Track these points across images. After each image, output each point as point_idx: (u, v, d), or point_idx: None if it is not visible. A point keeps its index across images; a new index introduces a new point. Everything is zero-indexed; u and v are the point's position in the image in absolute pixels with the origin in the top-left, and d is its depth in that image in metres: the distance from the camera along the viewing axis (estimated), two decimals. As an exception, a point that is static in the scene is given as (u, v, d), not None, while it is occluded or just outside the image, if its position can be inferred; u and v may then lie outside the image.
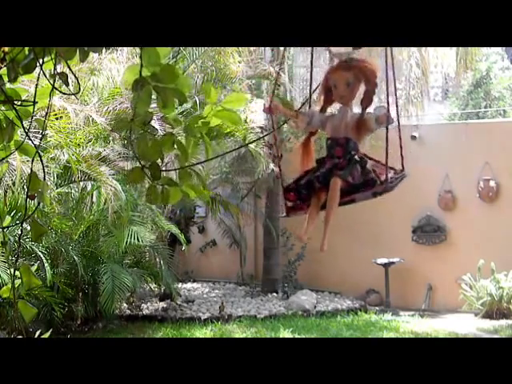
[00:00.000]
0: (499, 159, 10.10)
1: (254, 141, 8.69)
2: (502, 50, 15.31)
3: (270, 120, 3.29)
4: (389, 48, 2.79)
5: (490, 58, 16.34)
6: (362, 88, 2.95)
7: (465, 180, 10.32)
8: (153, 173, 1.75)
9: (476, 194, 10.27)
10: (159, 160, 1.78)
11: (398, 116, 2.94)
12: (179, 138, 1.80)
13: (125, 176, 7.43)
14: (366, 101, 2.93)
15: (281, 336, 8.07)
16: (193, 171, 1.85)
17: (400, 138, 2.92)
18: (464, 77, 13.67)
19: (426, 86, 11.21)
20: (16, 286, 1.93)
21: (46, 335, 2.24)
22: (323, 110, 3.05)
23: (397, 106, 2.95)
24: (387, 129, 2.80)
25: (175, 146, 1.79)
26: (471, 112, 14.99)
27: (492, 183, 10.18)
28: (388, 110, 2.82)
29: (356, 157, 2.89)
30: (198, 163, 1.87)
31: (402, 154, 2.95)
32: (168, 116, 1.77)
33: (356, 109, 2.99)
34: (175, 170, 1.85)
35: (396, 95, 2.92)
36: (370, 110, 2.96)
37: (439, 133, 10.98)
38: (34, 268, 2.00)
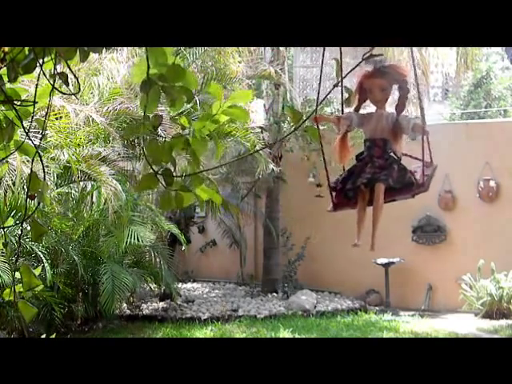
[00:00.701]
0: (499, 159, 10.10)
1: (262, 148, 8.72)
2: (502, 49, 15.31)
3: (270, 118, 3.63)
4: (413, 51, 3.22)
5: (490, 58, 16.34)
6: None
7: (465, 180, 10.32)
8: (166, 179, 1.76)
9: (476, 194, 10.26)
10: (171, 165, 1.78)
11: (422, 112, 3.29)
12: (188, 138, 1.80)
13: (128, 180, 7.44)
14: (401, 106, 3.28)
15: (281, 336, 8.07)
16: (205, 175, 1.86)
17: (427, 137, 3.20)
18: (464, 77, 13.67)
19: (426, 86, 11.21)
20: (16, 286, 1.93)
21: (52, 337, 2.24)
22: (357, 109, 3.37)
23: (422, 104, 3.36)
24: (423, 138, 3.14)
25: (185, 148, 1.79)
26: (471, 112, 14.99)
27: (492, 183, 10.17)
28: (423, 122, 3.18)
29: (392, 155, 3.23)
30: (210, 169, 1.90)
31: (429, 148, 3.27)
32: (176, 118, 1.78)
33: (388, 107, 3.34)
34: (188, 175, 1.85)
35: (420, 94, 3.42)
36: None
37: (439, 133, 10.96)
38: (37, 271, 2.00)
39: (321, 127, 3.41)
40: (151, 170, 1.74)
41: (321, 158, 3.53)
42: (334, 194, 3.33)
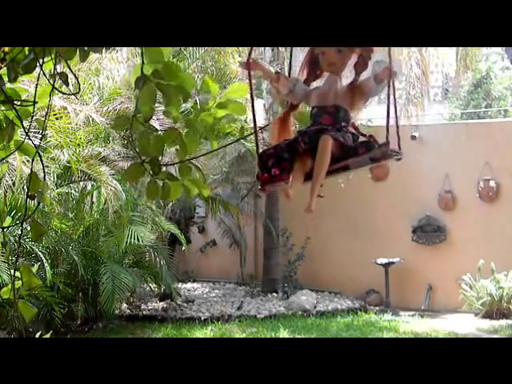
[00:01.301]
0: (499, 159, 10.10)
1: (246, 136, 8.65)
2: (502, 49, 15.31)
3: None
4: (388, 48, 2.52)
5: (490, 58, 16.34)
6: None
7: (465, 180, 10.32)
8: (152, 167, 1.74)
9: (476, 194, 10.26)
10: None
11: (395, 110, 2.37)
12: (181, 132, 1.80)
13: (124, 173, 7.42)
14: (361, 64, 2.45)
15: (281, 336, 8.07)
16: (192, 165, 1.85)
17: (396, 117, 2.50)
18: (464, 77, 13.67)
19: (426, 86, 11.21)
20: (16, 286, 1.93)
21: (47, 336, 2.24)
22: (307, 84, 2.59)
23: (394, 100, 2.38)
24: (389, 86, 2.32)
25: (176, 142, 1.78)
26: (471, 112, 14.99)
27: (492, 183, 10.17)
28: (390, 62, 2.31)
29: (348, 128, 2.43)
30: (197, 156, 1.84)
31: (398, 134, 2.40)
32: (170, 112, 1.77)
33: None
34: (174, 163, 1.84)
35: (394, 91, 2.40)
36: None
37: (439, 133, 10.98)
38: (34, 268, 2.00)
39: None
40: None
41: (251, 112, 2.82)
42: (263, 163, 2.44)
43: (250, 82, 2.50)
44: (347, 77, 2.52)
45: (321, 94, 2.50)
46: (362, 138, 2.44)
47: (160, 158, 1.77)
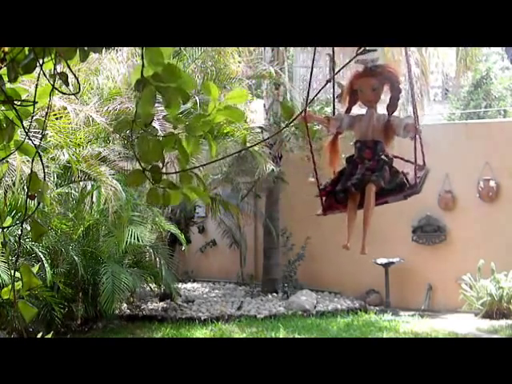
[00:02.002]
0: (499, 159, 10.10)
1: (256, 144, 8.70)
2: (502, 49, 15.30)
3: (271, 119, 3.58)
4: (408, 51, 3.18)
5: (490, 58, 16.34)
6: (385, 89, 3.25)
7: (465, 180, 10.32)
8: (153, 176, 1.75)
9: (476, 194, 10.26)
10: (160, 163, 1.78)
11: (416, 112, 3.22)
12: (181, 137, 1.80)
13: (125, 178, 7.43)
14: (392, 107, 3.21)
15: (281, 336, 8.07)
16: (193, 174, 1.85)
17: (420, 138, 3.11)
18: (464, 77, 13.67)
19: (426, 86, 11.21)
20: (16, 286, 1.93)
21: (48, 336, 2.24)
22: (348, 110, 3.31)
23: (415, 102, 3.27)
24: (415, 137, 3.05)
25: (176, 148, 1.78)
26: (471, 112, 14.99)
27: (492, 183, 10.17)
28: (415, 121, 3.09)
29: (383, 157, 3.14)
30: (199, 166, 1.85)
31: (422, 151, 3.17)
32: (169, 115, 1.77)
33: (379, 109, 3.29)
34: (176, 172, 1.85)
35: (414, 93, 3.38)
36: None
37: (439, 133, 10.97)
38: (35, 269, 2.00)
39: (315, 127, 3.43)
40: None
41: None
42: (323, 196, 3.25)
43: (309, 135, 3.36)
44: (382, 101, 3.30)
45: (362, 130, 3.23)
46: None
47: (161, 166, 1.78)
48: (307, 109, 3.39)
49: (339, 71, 3.33)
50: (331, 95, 3.45)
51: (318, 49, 3.26)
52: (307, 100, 3.66)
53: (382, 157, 3.16)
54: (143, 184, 1.79)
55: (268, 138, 8.94)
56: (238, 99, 1.86)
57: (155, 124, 5.74)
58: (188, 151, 1.80)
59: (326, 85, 3.23)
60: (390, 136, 3.21)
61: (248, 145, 8.71)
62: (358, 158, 3.21)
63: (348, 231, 3.28)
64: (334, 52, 3.27)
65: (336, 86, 3.40)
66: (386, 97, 3.34)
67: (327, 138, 3.51)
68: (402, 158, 3.31)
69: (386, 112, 3.25)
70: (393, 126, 3.16)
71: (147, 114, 1.69)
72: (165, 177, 1.79)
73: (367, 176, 3.09)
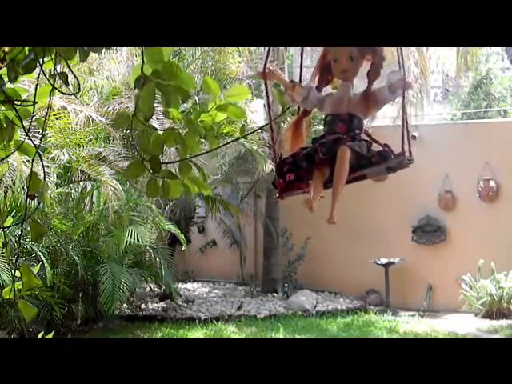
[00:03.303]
0: (499, 159, 10.10)
1: (247, 134, 8.65)
2: (502, 50, 15.32)
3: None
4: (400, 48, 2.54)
5: (490, 58, 16.34)
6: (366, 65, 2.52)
7: (465, 180, 10.32)
8: (153, 166, 1.74)
9: (476, 194, 10.27)
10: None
11: (405, 110, 2.51)
12: (181, 132, 1.80)
13: (125, 171, 7.42)
14: (374, 73, 2.51)
15: (281, 336, 8.07)
16: (193, 164, 1.85)
17: (407, 123, 2.49)
18: (464, 77, 13.67)
19: (426, 86, 11.21)
20: (16, 286, 1.93)
21: (50, 336, 2.24)
22: (318, 90, 2.63)
23: (404, 99, 2.50)
24: (403, 96, 2.42)
25: (176, 142, 1.78)
26: (471, 112, 14.99)
27: (492, 183, 10.18)
28: (404, 74, 2.44)
29: (361, 135, 2.50)
30: (197, 155, 1.83)
31: (409, 140, 2.47)
32: (170, 112, 1.77)
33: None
34: (175, 162, 1.84)
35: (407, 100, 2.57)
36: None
37: (439, 133, 10.98)
38: (35, 269, 2.00)
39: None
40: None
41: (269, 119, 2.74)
42: (281, 171, 2.48)
43: (267, 91, 2.63)
44: (357, 85, 2.57)
45: (335, 102, 2.54)
46: (376, 146, 2.48)
47: (160, 157, 1.77)
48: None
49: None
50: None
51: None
52: (268, 54, 2.80)
53: (359, 135, 2.48)
54: (143, 182, 1.79)
55: (263, 126, 8.88)
56: (238, 97, 1.85)
57: (155, 123, 5.77)
58: (188, 147, 1.80)
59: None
60: (371, 107, 2.53)
61: (247, 144, 8.72)
62: (327, 133, 2.50)
63: (312, 192, 2.43)
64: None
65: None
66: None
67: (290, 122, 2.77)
68: (386, 145, 2.48)
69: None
70: (374, 93, 2.50)
71: (147, 110, 1.69)
72: (164, 168, 1.78)
73: (340, 140, 2.39)
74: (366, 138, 2.51)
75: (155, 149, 1.73)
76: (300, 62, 2.87)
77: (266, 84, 2.61)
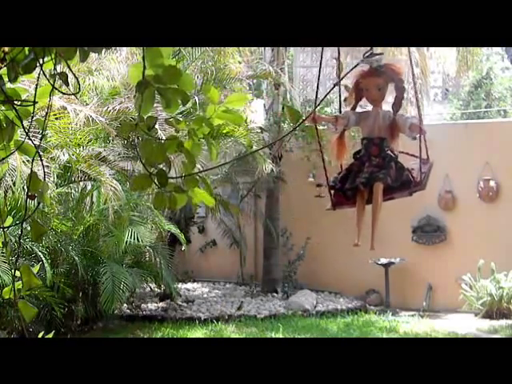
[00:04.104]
0: (499, 159, 10.10)
1: (260, 149, 8.74)
2: (503, 50, 15.31)
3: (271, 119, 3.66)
4: (411, 51, 3.27)
5: (490, 58, 16.33)
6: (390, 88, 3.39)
7: (465, 180, 10.32)
8: (159, 180, 1.76)
9: (476, 194, 10.26)
10: (166, 167, 1.79)
11: (419, 111, 3.41)
12: (183, 140, 1.80)
13: (128, 180, 7.44)
14: (397, 105, 3.34)
15: (281, 336, 8.07)
16: (199, 177, 1.86)
17: (423, 131, 3.25)
18: (464, 77, 13.67)
19: (426, 86, 11.21)
20: (17, 286, 1.93)
21: (50, 336, 2.24)
22: (354, 107, 3.45)
23: (419, 103, 3.58)
24: (420, 138, 3.18)
25: (179, 150, 1.79)
26: (471, 112, 14.98)
27: (492, 183, 10.17)
28: (420, 121, 3.24)
29: (389, 153, 3.30)
30: (205, 170, 1.88)
31: (426, 146, 3.35)
32: (171, 120, 1.78)
33: (384, 106, 3.44)
34: (182, 177, 1.85)
35: (418, 94, 3.58)
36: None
37: (439, 133, 10.97)
38: (35, 269, 2.00)
39: (320, 127, 3.50)
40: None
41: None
42: (332, 192, 3.40)
43: (318, 135, 3.46)
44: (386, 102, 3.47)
45: (368, 127, 3.38)
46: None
47: (167, 171, 1.79)
48: (307, 109, 3.54)
49: (346, 75, 3.43)
50: (331, 95, 3.61)
51: (319, 48, 3.29)
52: (316, 101, 3.83)
53: (388, 153, 3.32)
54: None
55: (277, 140, 8.99)
56: (237, 103, 1.86)
57: (159, 130, 5.77)
58: (192, 154, 1.80)
59: (334, 87, 3.44)
60: (395, 134, 3.36)
61: (253, 148, 8.73)
62: (365, 154, 3.36)
63: (358, 229, 3.46)
64: (339, 53, 3.32)
65: (342, 88, 3.51)
66: (390, 94, 3.45)
67: (332, 136, 3.64)
68: (407, 153, 3.45)
69: (391, 110, 3.40)
70: (398, 125, 3.30)
71: (150, 118, 1.69)
72: (171, 181, 1.80)
73: (375, 174, 3.23)
74: (393, 153, 3.32)
75: (158, 158, 1.75)
76: (319, 69, 3.58)
77: (316, 127, 3.47)
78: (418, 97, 3.47)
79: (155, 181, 1.76)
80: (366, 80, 3.31)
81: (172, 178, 1.82)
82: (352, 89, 3.40)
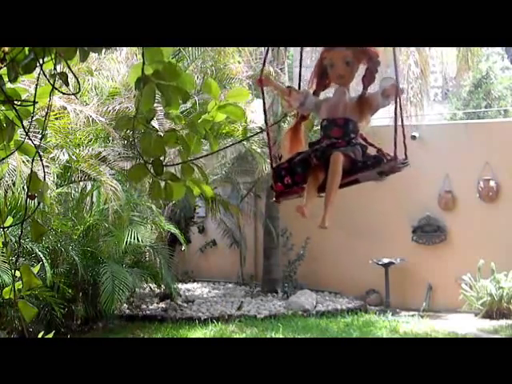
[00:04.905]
0: (499, 159, 10.10)
1: (248, 137, 8.69)
2: (502, 49, 15.31)
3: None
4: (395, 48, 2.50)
5: (490, 58, 16.34)
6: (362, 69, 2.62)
7: (465, 180, 10.32)
8: (155, 168, 1.75)
9: (476, 194, 10.26)
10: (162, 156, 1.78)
11: (401, 110, 2.56)
12: (182, 134, 1.80)
13: (126, 172, 7.43)
14: (368, 78, 2.59)
15: (281, 336, 8.07)
16: (195, 166, 1.86)
17: (403, 127, 2.58)
18: (464, 77, 13.66)
19: (426, 86, 11.20)
20: (17, 286, 1.93)
21: (50, 336, 2.24)
22: (316, 94, 2.71)
23: (400, 101, 2.55)
24: (396, 102, 2.47)
25: (178, 143, 1.79)
26: (471, 112, 14.98)
27: (492, 183, 10.17)
28: (397, 81, 2.50)
29: (357, 139, 2.56)
30: (200, 157, 1.85)
31: (405, 143, 2.58)
32: (170, 113, 1.78)
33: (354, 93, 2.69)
34: (177, 164, 1.85)
35: (401, 106, 2.58)
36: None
37: (439, 133, 10.98)
38: (35, 269, 2.00)
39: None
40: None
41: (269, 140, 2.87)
42: (277, 176, 2.59)
43: (263, 97, 2.67)
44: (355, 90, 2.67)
45: (330, 107, 2.61)
46: (371, 150, 2.56)
47: (163, 159, 1.78)
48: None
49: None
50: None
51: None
52: (264, 60, 2.91)
53: (354, 139, 2.55)
54: (143, 182, 1.80)
55: (261, 130, 8.95)
56: (238, 98, 1.86)
57: (155, 123, 5.76)
58: (190, 149, 1.80)
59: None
60: (366, 111, 2.59)
61: (247, 144, 8.73)
62: (323, 138, 2.57)
63: (305, 197, 2.46)
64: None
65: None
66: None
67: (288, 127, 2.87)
68: (379, 149, 2.59)
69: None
70: (368, 99, 2.57)
71: (148, 111, 1.69)
72: (166, 170, 1.79)
73: (334, 145, 2.46)
74: (361, 142, 2.57)
75: (157, 150, 1.74)
76: (299, 62, 2.92)
77: (262, 90, 2.66)
78: (394, 54, 2.53)
79: (151, 170, 1.75)
80: (331, 53, 2.55)
81: (167, 165, 1.81)
82: (314, 68, 2.67)
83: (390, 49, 2.48)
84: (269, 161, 2.97)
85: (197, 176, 1.91)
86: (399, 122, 2.49)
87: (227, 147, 9.18)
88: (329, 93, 2.78)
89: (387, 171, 2.51)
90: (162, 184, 1.79)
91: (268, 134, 2.74)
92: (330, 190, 2.41)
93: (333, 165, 2.39)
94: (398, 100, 2.46)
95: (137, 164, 1.79)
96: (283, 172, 2.55)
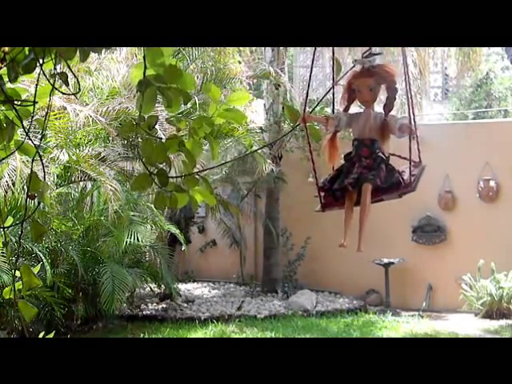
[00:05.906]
0: (499, 159, 10.09)
1: (260, 148, 8.74)
2: (503, 50, 15.31)
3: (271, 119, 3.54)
4: (405, 51, 3.27)
5: (490, 58, 16.34)
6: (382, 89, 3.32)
7: (465, 180, 10.32)
8: (160, 179, 1.76)
9: (476, 194, 10.26)
10: (167, 166, 1.79)
11: (413, 112, 3.26)
12: (184, 139, 1.80)
13: (128, 180, 7.44)
14: (389, 106, 3.29)
15: (281, 336, 8.07)
16: (199, 177, 1.86)
17: (416, 135, 3.20)
18: (465, 77, 13.67)
19: (425, 86, 11.20)
20: (17, 286, 1.93)
21: (50, 336, 2.24)
22: (346, 109, 3.41)
23: (412, 102, 3.28)
24: (410, 138, 3.14)
25: (179, 149, 1.79)
26: (472, 112, 14.98)
27: (492, 183, 10.17)
28: (410, 122, 3.19)
29: (380, 155, 3.27)
30: (204, 170, 1.87)
31: (418, 148, 3.23)
32: (172, 119, 1.78)
33: (376, 107, 3.38)
34: (182, 176, 1.85)
35: (411, 93, 3.33)
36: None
37: (439, 133, 10.97)
38: (35, 269, 2.00)
39: (318, 127, 3.46)
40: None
41: (321, 157, 3.53)
42: (322, 193, 3.36)
43: (307, 135, 3.40)
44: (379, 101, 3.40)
45: (360, 129, 3.34)
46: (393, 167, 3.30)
47: (168, 170, 1.79)
48: (307, 109, 3.36)
49: (343, 76, 3.37)
50: (331, 95, 3.50)
51: (319, 48, 3.22)
52: (306, 102, 3.68)
53: (379, 155, 3.28)
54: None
55: (277, 140, 8.99)
56: (239, 101, 1.86)
57: (157, 127, 5.76)
58: (192, 154, 1.80)
59: (330, 90, 3.38)
60: (386, 135, 3.32)
61: (253, 148, 8.73)
62: (355, 155, 3.32)
63: (345, 229, 3.36)
64: (333, 53, 3.30)
65: (339, 88, 3.48)
66: (383, 95, 3.41)
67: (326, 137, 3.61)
68: (398, 156, 3.41)
69: (382, 111, 3.37)
70: (389, 126, 3.27)
71: (151, 117, 1.69)
72: (171, 180, 1.79)
73: (364, 175, 3.20)
74: (384, 155, 3.29)
75: (159, 157, 1.75)
76: (311, 63, 3.62)
77: (305, 127, 3.24)
78: (411, 97, 3.37)
79: (155, 180, 1.76)
80: (358, 81, 3.27)
81: (172, 177, 1.82)
82: (344, 90, 3.39)
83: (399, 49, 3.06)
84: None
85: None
86: (415, 157, 3.23)
87: (240, 157, 9.25)
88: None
89: (405, 193, 3.31)
90: (167, 194, 1.80)
91: (312, 160, 3.38)
92: (363, 219, 3.27)
93: (364, 197, 3.19)
94: (411, 137, 3.15)
95: (141, 174, 1.79)
96: (326, 194, 3.33)
